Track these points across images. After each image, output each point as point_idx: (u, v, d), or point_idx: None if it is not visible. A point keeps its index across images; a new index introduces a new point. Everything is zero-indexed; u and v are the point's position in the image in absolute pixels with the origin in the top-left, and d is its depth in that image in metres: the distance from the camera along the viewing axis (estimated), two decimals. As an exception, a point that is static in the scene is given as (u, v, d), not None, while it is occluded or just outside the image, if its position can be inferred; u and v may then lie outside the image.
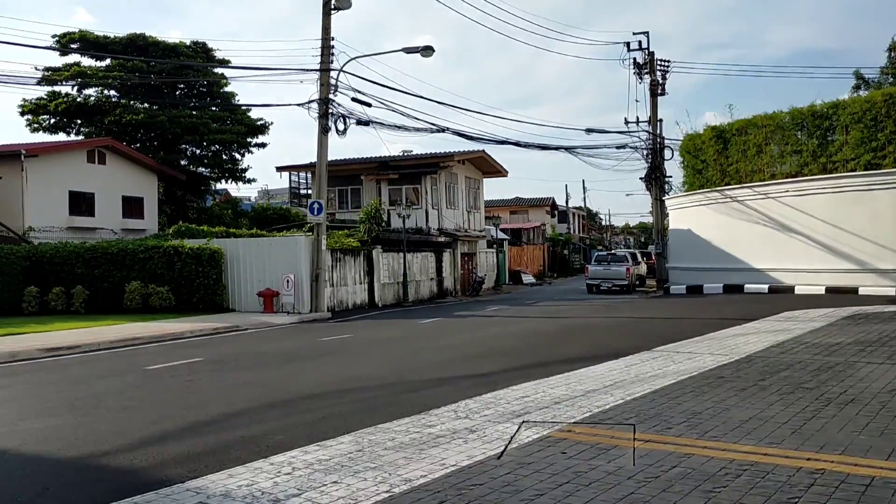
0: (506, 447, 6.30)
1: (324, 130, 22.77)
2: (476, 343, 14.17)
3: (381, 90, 49.25)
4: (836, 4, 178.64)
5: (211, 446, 6.62)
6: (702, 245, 32.16)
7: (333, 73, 22.66)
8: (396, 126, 24.94)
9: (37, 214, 30.21)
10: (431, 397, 8.75)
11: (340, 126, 23.00)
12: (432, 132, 26.20)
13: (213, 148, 43.15)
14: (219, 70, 43.07)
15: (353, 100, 23.09)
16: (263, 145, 44.91)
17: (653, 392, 8.75)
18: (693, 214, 33.22)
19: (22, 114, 40.73)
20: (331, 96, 22.75)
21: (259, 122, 43.86)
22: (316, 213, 22.42)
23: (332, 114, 22.82)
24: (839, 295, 24.77)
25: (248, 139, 44.20)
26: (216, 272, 22.51)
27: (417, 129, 25.65)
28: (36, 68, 39.31)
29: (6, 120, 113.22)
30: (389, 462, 5.89)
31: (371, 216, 27.32)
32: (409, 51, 22.31)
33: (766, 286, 27.82)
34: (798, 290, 26.68)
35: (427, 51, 22.10)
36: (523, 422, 7.24)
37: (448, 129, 26.68)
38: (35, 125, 40.51)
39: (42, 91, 39.40)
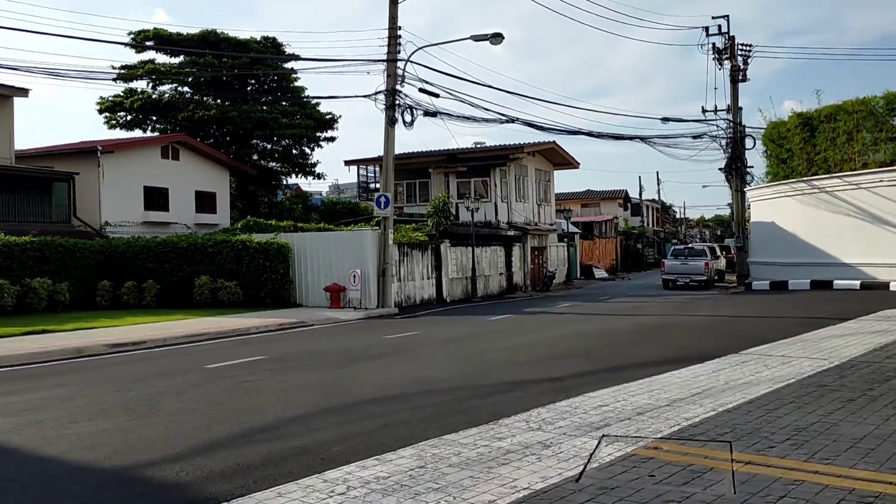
0: (585, 467, 5.59)
1: (391, 122, 22.32)
2: (548, 343, 13.43)
3: (449, 81, 48.78)
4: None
5: (263, 457, 6.12)
6: (786, 238, 30.50)
7: (400, 64, 22.19)
8: (465, 117, 24.31)
9: (113, 210, 30.72)
10: (501, 404, 8.10)
11: (408, 117, 22.53)
12: (501, 123, 25.51)
13: (283, 143, 43.43)
14: (289, 65, 43.32)
15: (421, 90, 22.59)
16: (332, 139, 44.91)
17: (747, 402, 7.88)
18: (777, 206, 31.55)
19: (100, 111, 41.69)
20: (398, 87, 22.28)
21: (328, 116, 43.87)
22: (383, 206, 22.00)
23: (399, 105, 22.35)
24: (941, 292, 23.02)
25: (318, 133, 44.26)
26: (283, 267, 22.35)
27: (486, 120, 24.97)
28: (112, 66, 40.14)
29: (87, 118, 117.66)
30: (454, 482, 5.26)
31: (439, 209, 26.79)
32: (477, 38, 21.63)
33: (858, 282, 26.11)
34: (893, 287, 24.91)
35: (496, 38, 21.38)
36: (603, 436, 6.50)
37: (518, 119, 25.94)
38: (112, 122, 41.45)
39: (119, 88, 40.30)
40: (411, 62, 22.22)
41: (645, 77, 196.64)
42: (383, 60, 22.10)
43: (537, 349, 12.54)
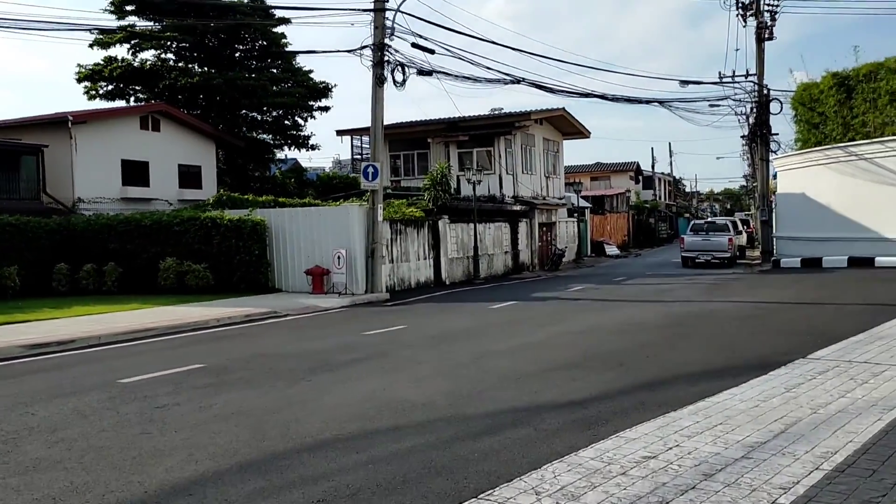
0: None
1: (379, 81, 19.62)
2: (562, 342, 10.87)
3: (446, 36, 45.39)
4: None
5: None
6: (818, 211, 27.74)
7: (390, 15, 19.43)
8: (464, 77, 21.59)
9: (88, 185, 28.18)
10: (499, 453, 5.58)
11: (399, 76, 19.80)
12: (506, 84, 22.78)
13: (274, 113, 40.78)
14: (279, 29, 40.55)
15: (414, 45, 19.85)
16: (326, 109, 42.20)
17: (862, 451, 5.34)
18: (807, 176, 28.74)
19: (79, 80, 38.99)
20: (387, 41, 19.56)
21: (322, 85, 41.12)
22: (371, 178, 19.38)
23: (388, 62, 19.63)
24: None
25: (311, 103, 41.58)
26: (259, 247, 19.79)
27: (489, 81, 22.21)
28: (90, 31, 37.36)
29: (65, 90, 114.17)
30: None
31: (437, 182, 24.12)
32: (476, -16, 18.87)
33: (904, 259, 23.43)
34: (946, 265, 22.26)
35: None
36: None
37: (524, 79, 23.21)
38: (92, 92, 38.75)
39: (98, 56, 37.65)
40: (402, 12, 19.48)
41: (654, 49, 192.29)
42: (370, 10, 19.35)
43: (548, 352, 9.97)
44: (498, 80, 22.51)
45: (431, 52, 20.28)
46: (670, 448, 5.52)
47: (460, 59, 21.04)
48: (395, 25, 19.44)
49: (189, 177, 33.31)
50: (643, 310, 14.60)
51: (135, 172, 30.59)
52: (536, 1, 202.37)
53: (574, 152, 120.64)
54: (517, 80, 22.98)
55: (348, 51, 19.42)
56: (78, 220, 21.85)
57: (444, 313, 15.51)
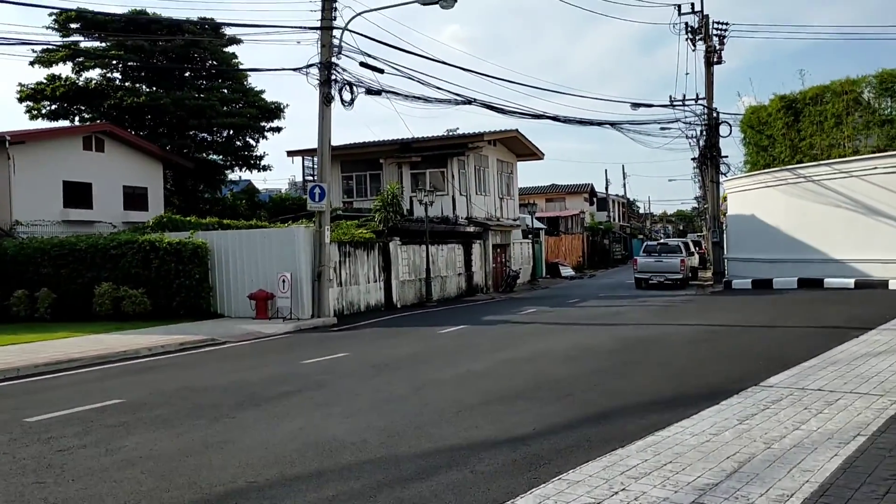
0: None
1: (326, 100, 19.12)
2: (509, 370, 10.40)
3: (396, 56, 45.67)
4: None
5: None
6: (768, 232, 27.95)
7: (337, 33, 18.99)
8: (414, 96, 21.18)
9: (27, 207, 27.03)
10: (429, 502, 5.06)
11: (346, 95, 19.30)
12: (457, 104, 22.39)
13: (224, 133, 39.92)
14: (230, 49, 39.89)
15: (362, 64, 19.39)
16: (279, 129, 41.57)
17: (819, 492, 4.96)
18: (757, 197, 28.99)
19: (20, 100, 37.77)
20: (334, 60, 19.09)
21: (273, 105, 40.46)
22: (317, 199, 18.80)
23: (335, 81, 19.15)
24: (949, 291, 20.57)
25: (262, 123, 40.90)
26: (200, 271, 19.01)
27: (440, 101, 21.83)
28: (33, 50, 36.22)
29: (5, 109, 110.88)
30: None
31: (388, 203, 23.62)
32: (425, 2, 18.51)
33: (852, 280, 23.59)
34: (893, 285, 22.41)
35: (447, 0, 18.29)
36: None
37: (476, 100, 22.85)
38: (35, 112, 37.49)
39: (41, 74, 36.52)
40: (349, 31, 19.09)
41: (608, 74, 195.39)
42: (316, 28, 18.87)
43: (494, 381, 9.50)
44: (449, 101, 22.15)
45: (380, 71, 19.86)
46: (616, 493, 5.07)
47: (411, 78, 20.65)
48: (342, 44, 19.01)
49: (135, 198, 32.34)
50: (594, 334, 14.25)
51: (77, 194, 29.56)
52: (492, 27, 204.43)
53: (530, 174, 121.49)
54: (468, 101, 22.67)
55: (294, 69, 18.90)
56: (9, 244, 20.84)
57: (390, 338, 14.95)
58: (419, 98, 21.36)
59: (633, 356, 11.26)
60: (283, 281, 18.20)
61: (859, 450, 5.99)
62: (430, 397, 8.54)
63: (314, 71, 19.06)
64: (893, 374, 9.02)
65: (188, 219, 22.70)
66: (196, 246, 19.01)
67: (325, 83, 19.01)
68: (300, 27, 18.53)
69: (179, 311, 18.87)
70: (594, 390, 8.75)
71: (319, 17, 18.97)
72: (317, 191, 18.82)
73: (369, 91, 19.91)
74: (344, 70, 19.34)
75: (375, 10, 19.06)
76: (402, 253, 24.24)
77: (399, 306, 23.50)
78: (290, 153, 33.70)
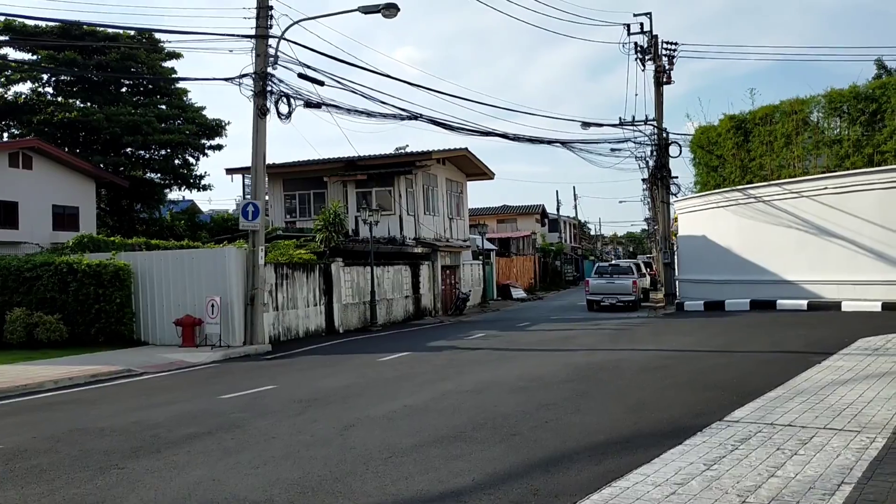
0: None
1: (261, 112, 18.00)
2: (451, 404, 9.38)
3: (339, 69, 44.98)
4: (815, 17, 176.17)
5: None
6: (719, 253, 27.58)
7: (273, 42, 17.95)
8: (357, 110, 20.21)
9: (-53, 228, 25.41)
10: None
11: (283, 108, 18.25)
12: (403, 119, 21.48)
13: (162, 151, 38.30)
14: (169, 64, 38.45)
15: (301, 76, 18.37)
16: (220, 147, 40.12)
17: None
18: (708, 218, 28.66)
19: (-56, 114, 35.74)
20: (270, 70, 18.03)
21: (214, 122, 39.03)
22: (251, 217, 17.60)
23: (271, 92, 18.08)
24: (902, 312, 20.24)
25: (203, 141, 39.46)
26: (122, 295, 17.60)
27: (384, 116, 20.89)
28: (-46, 62, 34.27)
29: None
30: None
31: (329, 222, 22.51)
32: (366, 10, 17.56)
33: (805, 302, 23.23)
34: (846, 307, 22.08)
35: (389, 10, 17.40)
36: None
37: (422, 115, 21.98)
38: (-40, 127, 35.53)
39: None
40: (286, 40, 18.03)
41: (558, 98, 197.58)
42: (250, 36, 17.79)
43: (433, 418, 8.46)
44: (395, 116, 21.22)
45: (320, 83, 18.85)
46: (567, 569, 4.08)
47: (354, 92, 19.69)
48: (278, 53, 17.97)
49: (65, 218, 30.74)
50: (545, 361, 13.32)
51: (2, 214, 27.91)
52: (445, 49, 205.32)
53: (482, 195, 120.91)
54: (415, 116, 21.77)
55: (226, 79, 17.76)
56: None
57: (325, 368, 13.80)
58: (362, 112, 20.41)
59: (587, 386, 10.35)
60: (212, 305, 16.91)
61: (849, 500, 5.13)
62: (358, 440, 7.46)
63: (249, 82, 17.97)
64: (866, 406, 8.27)
65: (111, 239, 21.25)
66: (118, 268, 17.61)
67: (260, 94, 17.91)
68: (233, 35, 17.42)
69: (99, 339, 17.41)
70: (544, 427, 7.78)
71: (254, 26, 17.90)
72: (250, 209, 17.63)
73: (308, 104, 18.88)
74: (281, 81, 18.30)
75: (313, 18, 18.09)
76: (346, 275, 23.11)
77: (341, 331, 22.33)
78: (230, 171, 32.31)
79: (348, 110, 19.99)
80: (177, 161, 39.08)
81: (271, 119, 18.36)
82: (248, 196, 35.05)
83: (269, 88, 18.08)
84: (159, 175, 39.41)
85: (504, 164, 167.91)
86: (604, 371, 11.70)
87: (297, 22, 18.03)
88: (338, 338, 20.74)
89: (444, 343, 17.62)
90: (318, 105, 18.97)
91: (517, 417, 8.30)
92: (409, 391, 10.40)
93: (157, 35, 35.19)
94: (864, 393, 9.03)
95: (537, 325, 22.26)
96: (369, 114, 20.58)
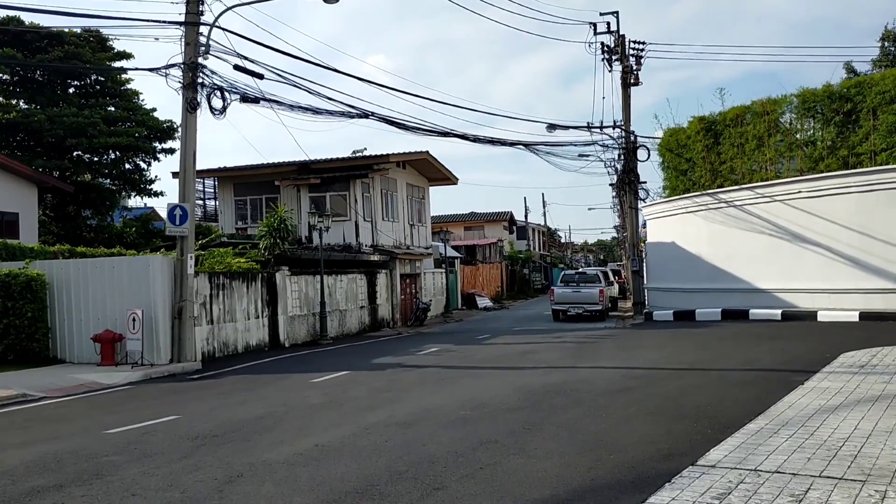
0: None
1: (190, 107, 16.39)
2: (373, 442, 7.85)
3: (283, 62, 42.82)
4: (778, 28, 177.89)
5: None
6: (689, 260, 26.40)
7: (204, 29, 16.37)
8: (302, 107, 18.68)
9: None
10: None
11: (217, 102, 16.66)
12: (352, 117, 19.98)
13: (112, 155, 36.30)
14: (118, 63, 36.52)
15: (237, 67, 16.80)
16: (172, 151, 38.11)
17: None
18: (677, 224, 27.48)
19: None
20: (201, 60, 16.43)
21: (165, 124, 37.10)
22: (178, 222, 15.96)
23: (203, 84, 16.48)
24: (881, 322, 19.09)
25: (155, 144, 37.48)
26: (34, 308, 15.82)
27: (332, 113, 19.34)
28: None
29: None
30: None
31: (275, 228, 20.90)
32: (306, -5, 16.11)
33: (779, 311, 22.05)
34: (822, 317, 20.93)
35: (330, -6, 15.91)
36: None
37: (374, 114, 20.49)
38: None
39: None
40: (220, 28, 16.45)
41: (529, 107, 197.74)
42: (179, 23, 16.17)
43: (345, 464, 6.93)
44: (343, 114, 19.70)
45: (259, 76, 17.27)
46: None
47: (297, 87, 18.17)
48: (210, 43, 16.38)
49: (3, 226, 28.72)
50: (496, 383, 11.84)
51: (-69, 222, 25.97)
52: (416, 59, 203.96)
53: (450, 204, 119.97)
54: (365, 115, 20.27)
55: (151, 69, 16.11)
56: None
57: (248, 391, 12.17)
58: (307, 109, 18.86)
59: (538, 416, 8.88)
60: (133, 319, 15.21)
61: None
62: (238, 499, 5.91)
63: (178, 73, 16.35)
64: (865, 443, 6.90)
65: (30, 246, 19.42)
66: (29, 278, 15.83)
67: (190, 87, 16.30)
68: (160, 21, 15.77)
69: (8, 357, 15.61)
70: (477, 477, 6.29)
71: (184, 11, 16.30)
72: (177, 212, 15.99)
73: (245, 98, 17.29)
74: (214, 73, 16.70)
75: (247, 3, 16.50)
76: (293, 285, 21.49)
77: (287, 345, 20.70)
78: (176, 174, 30.45)
79: (291, 106, 18.47)
80: (127, 165, 37.10)
81: (221, 120, 16.77)
82: (199, 203, 33.36)
83: (200, 80, 16.48)
84: (109, 180, 37.44)
85: (474, 173, 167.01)
86: (560, 395, 10.25)
87: (230, 8, 16.49)
88: (282, 352, 19.13)
89: (391, 360, 16.07)
90: (256, 100, 17.41)
91: (447, 461, 6.79)
92: (329, 424, 8.85)
93: (76, 17, 33.16)
94: (860, 424, 7.68)
95: (497, 338, 20.81)
96: (315, 110, 19.06)
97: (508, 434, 7.89)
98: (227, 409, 10.21)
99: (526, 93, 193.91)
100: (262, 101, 17.51)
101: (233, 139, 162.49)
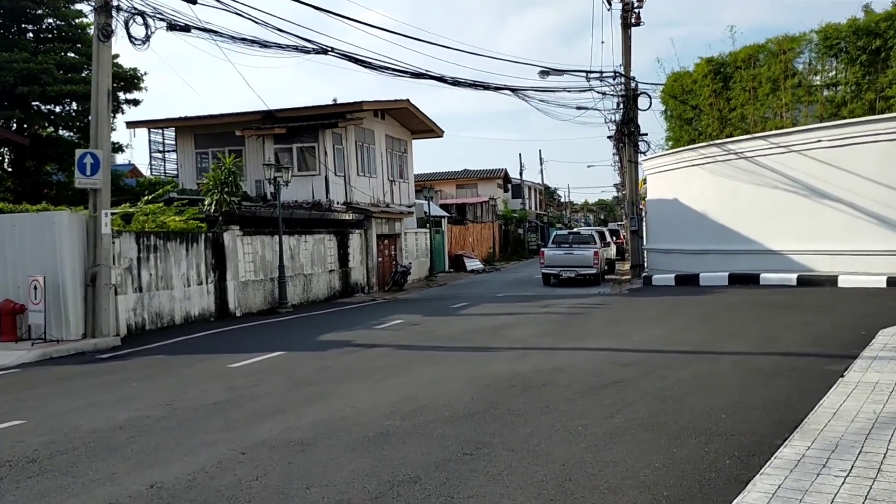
0: None
1: (103, 34, 13.80)
2: (232, 482, 5.45)
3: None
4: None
5: None
6: (694, 219, 23.92)
7: (119, -59, 13.65)
8: (246, 39, 16.05)
9: None
10: None
11: (139, 31, 14.02)
12: (307, 52, 17.30)
13: (74, 106, 33.66)
14: (78, 6, 33.55)
15: (161, -10, 14.15)
16: (136, 102, 35.31)
17: None
18: (681, 179, 24.92)
19: None
20: (116, -21, 13.76)
21: (129, 73, 34.27)
22: (89, 172, 13.45)
23: (119, 8, 13.83)
24: (914, 290, 16.72)
25: (119, 94, 34.70)
26: (-82, 275, 13.43)
27: (282, 47, 16.69)
28: None
29: None
30: None
31: (221, 182, 18.39)
32: None
33: (794, 275, 19.64)
34: (843, 282, 18.51)
35: None
36: None
37: (334, 49, 17.81)
38: None
39: None
40: (138, -61, 13.72)
41: (527, 70, 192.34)
42: (86, -68, 13.48)
43: (223, 497, 4.56)
44: (296, 48, 17.04)
45: (193, 1, 14.65)
46: None
47: (240, 15, 15.49)
48: (127, -44, 13.68)
49: (-52, 181, 26.25)
50: (451, 372, 9.42)
51: None
52: (416, 15, 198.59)
53: (443, 161, 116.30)
54: (324, 50, 17.54)
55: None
56: None
57: (146, 380, 9.77)
58: (254, 42, 16.23)
59: (490, 428, 6.48)
60: (35, 287, 12.81)
61: None
62: None
63: (91, -6, 13.69)
64: (966, 488, 4.50)
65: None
66: (-88, 240, 13.40)
67: (103, 10, 13.65)
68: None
69: None
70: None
71: (93, -81, 13.58)
72: (87, 160, 13.47)
73: (173, 26, 14.62)
74: (137, -3, 14.01)
75: None
76: (245, 246, 19.04)
77: (238, 314, 18.34)
78: (131, 124, 27.97)
79: (233, 38, 15.83)
80: (89, 117, 34.35)
81: (144, 51, 14.19)
82: (157, 154, 30.80)
83: (116, 3, 13.82)
84: (70, 133, 34.77)
85: (474, 131, 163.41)
86: (527, 393, 7.85)
87: (147, -87, 13.72)
88: (230, 323, 16.77)
89: (342, 336, 13.65)
90: (186, 28, 14.73)
91: (356, 493, 4.41)
92: (199, 443, 6.43)
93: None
94: (944, 450, 5.29)
95: (475, 307, 18.41)
96: (263, 43, 16.43)
97: (438, 466, 5.47)
98: (88, 413, 7.79)
99: (527, 49, 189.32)
100: (193, 30, 14.84)
101: (215, 94, 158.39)
